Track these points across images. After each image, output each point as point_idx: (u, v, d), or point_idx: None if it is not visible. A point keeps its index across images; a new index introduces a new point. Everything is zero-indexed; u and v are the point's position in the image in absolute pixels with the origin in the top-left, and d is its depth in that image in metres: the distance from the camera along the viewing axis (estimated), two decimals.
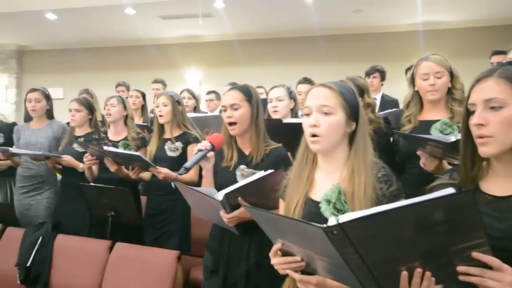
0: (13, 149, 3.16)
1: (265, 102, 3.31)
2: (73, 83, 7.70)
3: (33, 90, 3.32)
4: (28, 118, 3.37)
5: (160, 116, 2.83)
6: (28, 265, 2.68)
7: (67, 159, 3.00)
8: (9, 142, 3.40)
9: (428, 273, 0.97)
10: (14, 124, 3.59)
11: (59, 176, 3.38)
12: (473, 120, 1.10)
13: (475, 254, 0.92)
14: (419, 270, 0.96)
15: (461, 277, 0.95)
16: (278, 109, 2.71)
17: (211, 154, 1.89)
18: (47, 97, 3.35)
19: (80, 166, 3.07)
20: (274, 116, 2.73)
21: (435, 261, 0.97)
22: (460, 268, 0.94)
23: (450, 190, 0.87)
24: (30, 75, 8.19)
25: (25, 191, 3.25)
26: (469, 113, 1.13)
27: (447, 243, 0.94)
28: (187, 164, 1.83)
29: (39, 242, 2.76)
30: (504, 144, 1.07)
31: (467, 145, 1.16)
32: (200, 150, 1.85)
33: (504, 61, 1.67)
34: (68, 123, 3.43)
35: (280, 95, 2.74)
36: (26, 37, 7.69)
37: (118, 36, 7.43)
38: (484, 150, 1.09)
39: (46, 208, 3.23)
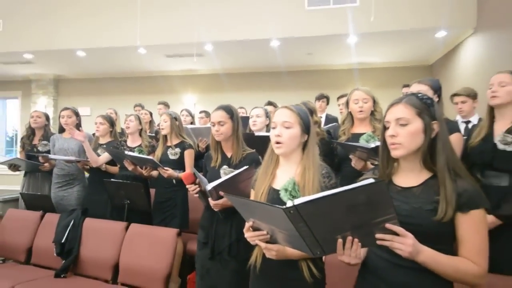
0: (52, 156, 3.11)
1: (245, 119, 3.35)
2: (97, 103, 7.54)
3: (65, 108, 3.28)
4: (61, 130, 3.31)
5: (162, 129, 2.86)
6: (62, 241, 2.64)
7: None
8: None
9: (356, 240, 0.99)
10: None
11: (87, 174, 3.32)
12: (388, 132, 1.13)
13: (388, 225, 0.95)
14: (349, 238, 0.99)
15: (378, 242, 0.98)
16: (256, 123, 2.77)
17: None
18: (76, 114, 3.30)
19: (103, 167, 3.05)
20: (253, 127, 2.78)
21: (360, 231, 0.98)
22: (378, 235, 0.97)
23: (370, 180, 0.90)
24: (64, 97, 7.96)
25: (60, 185, 3.18)
26: (385, 128, 1.16)
27: (368, 218, 0.95)
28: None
29: (71, 224, 2.71)
30: (409, 149, 1.10)
31: (384, 150, 1.18)
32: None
33: (409, 92, 1.76)
34: (93, 134, 3.39)
35: (258, 113, 2.81)
36: (61, 68, 7.50)
37: (133, 69, 7.32)
38: (395, 153, 1.12)
39: (76, 198, 3.16)
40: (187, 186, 1.90)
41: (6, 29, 6.08)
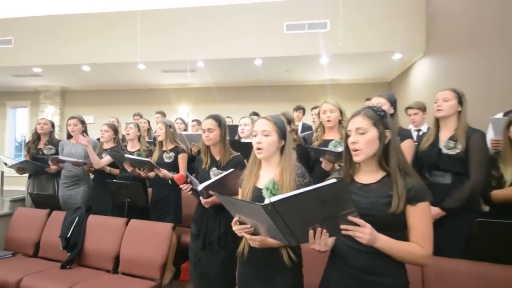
0: (61, 157, 3.01)
1: (233, 127, 3.35)
2: (100, 112, 7.39)
3: (72, 117, 3.19)
4: (69, 137, 3.23)
5: (158, 135, 2.82)
6: (68, 236, 2.56)
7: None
8: (57, 153, 3.22)
9: (324, 231, 1.00)
10: (60, 140, 3.42)
11: (91, 175, 3.24)
12: (350, 140, 1.15)
13: (350, 218, 0.97)
14: (319, 229, 1.00)
15: (343, 232, 1.00)
16: (244, 130, 2.79)
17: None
18: (82, 122, 3.21)
19: (108, 169, 3.00)
20: (242, 134, 2.80)
21: (328, 223, 0.99)
22: (342, 226, 0.99)
23: (333, 180, 0.91)
24: (70, 107, 7.76)
25: (67, 186, 3.09)
26: (347, 136, 1.18)
27: (333, 212, 0.96)
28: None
29: (76, 220, 2.64)
30: (367, 154, 1.13)
31: (347, 154, 1.20)
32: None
33: (366, 106, 1.80)
34: (98, 139, 3.32)
35: (246, 122, 2.82)
36: (67, 81, 7.31)
37: (133, 82, 7.21)
38: (356, 159, 1.15)
39: (82, 197, 3.07)
40: (180, 186, 1.90)
41: (17, 46, 5.92)
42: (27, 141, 3.41)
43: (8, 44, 5.92)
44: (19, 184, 4.35)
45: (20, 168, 3.10)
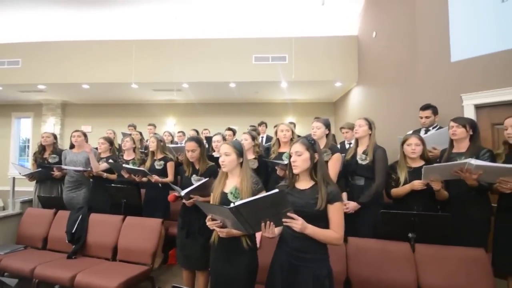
0: (64, 166, 2.95)
1: (210, 138, 3.43)
2: (97, 123, 7.09)
3: (76, 130, 3.14)
4: (71, 147, 3.17)
5: (151, 148, 2.86)
6: (73, 231, 2.54)
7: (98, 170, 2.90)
8: (60, 161, 3.14)
9: (271, 223, 1.12)
10: (62, 150, 3.32)
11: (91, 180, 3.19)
12: (291, 159, 1.31)
13: (288, 214, 1.11)
14: (268, 222, 1.12)
15: (284, 224, 1.13)
16: (217, 145, 2.88)
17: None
18: (84, 135, 3.16)
19: (105, 175, 2.97)
20: (215, 149, 2.88)
21: (274, 218, 1.11)
22: (283, 219, 1.12)
23: (276, 190, 1.05)
24: (70, 118, 7.35)
25: (70, 189, 3.02)
26: (291, 156, 1.32)
27: (277, 210, 1.09)
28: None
29: (79, 218, 2.62)
30: (302, 168, 1.28)
31: (290, 168, 1.33)
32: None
33: (314, 125, 1.99)
34: (96, 148, 3.28)
35: (218, 139, 2.91)
36: (68, 96, 6.93)
37: (127, 98, 6.99)
38: (295, 171, 1.30)
39: (83, 198, 3.01)
40: (171, 201, 2.02)
41: (24, 66, 5.57)
42: (31, 146, 3.28)
43: (16, 64, 5.55)
44: (25, 186, 4.14)
45: (32, 176, 2.99)
